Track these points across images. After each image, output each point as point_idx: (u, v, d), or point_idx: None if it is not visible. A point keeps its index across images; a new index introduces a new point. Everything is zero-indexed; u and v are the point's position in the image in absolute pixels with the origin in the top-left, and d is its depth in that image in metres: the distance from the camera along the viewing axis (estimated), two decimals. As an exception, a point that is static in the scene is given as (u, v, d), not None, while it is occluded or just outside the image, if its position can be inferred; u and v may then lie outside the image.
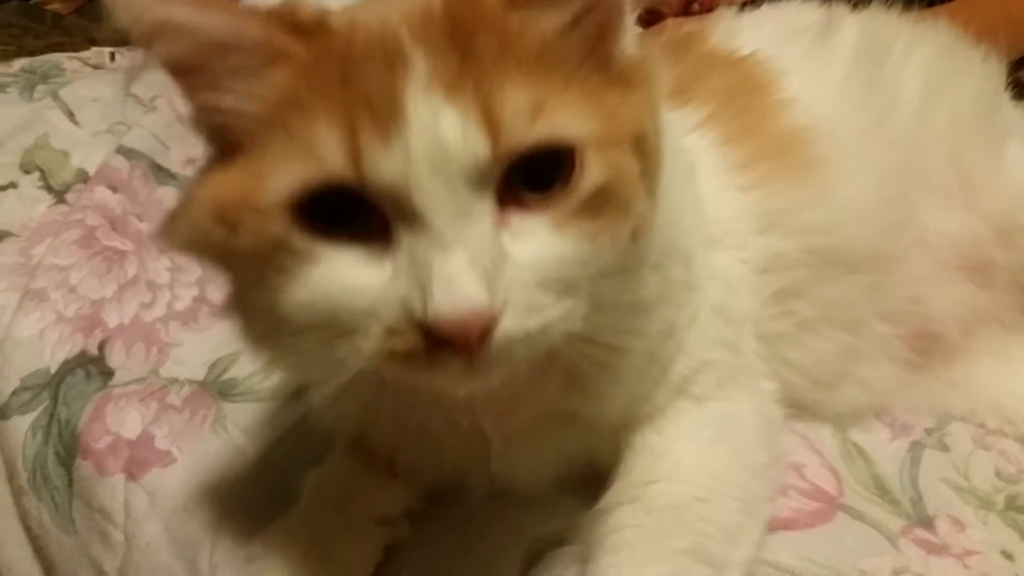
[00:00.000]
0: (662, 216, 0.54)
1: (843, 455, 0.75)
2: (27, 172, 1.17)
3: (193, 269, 1.02)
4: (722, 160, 0.72)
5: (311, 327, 0.46)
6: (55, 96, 1.35)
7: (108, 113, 1.31)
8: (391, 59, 0.45)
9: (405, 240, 0.45)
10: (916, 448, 0.76)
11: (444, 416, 0.60)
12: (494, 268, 0.44)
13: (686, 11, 1.54)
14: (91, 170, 1.17)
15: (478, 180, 0.45)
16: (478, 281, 0.43)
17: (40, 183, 1.16)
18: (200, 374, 0.88)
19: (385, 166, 0.44)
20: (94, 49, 1.67)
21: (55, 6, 2.14)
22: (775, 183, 0.71)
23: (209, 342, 0.92)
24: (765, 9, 0.93)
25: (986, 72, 0.88)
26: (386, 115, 0.44)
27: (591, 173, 0.47)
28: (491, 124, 0.45)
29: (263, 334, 0.52)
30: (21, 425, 0.85)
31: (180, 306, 0.97)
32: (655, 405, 0.65)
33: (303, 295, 0.46)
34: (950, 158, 0.80)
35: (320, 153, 0.45)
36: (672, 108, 0.72)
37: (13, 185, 1.14)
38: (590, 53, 0.49)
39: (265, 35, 0.47)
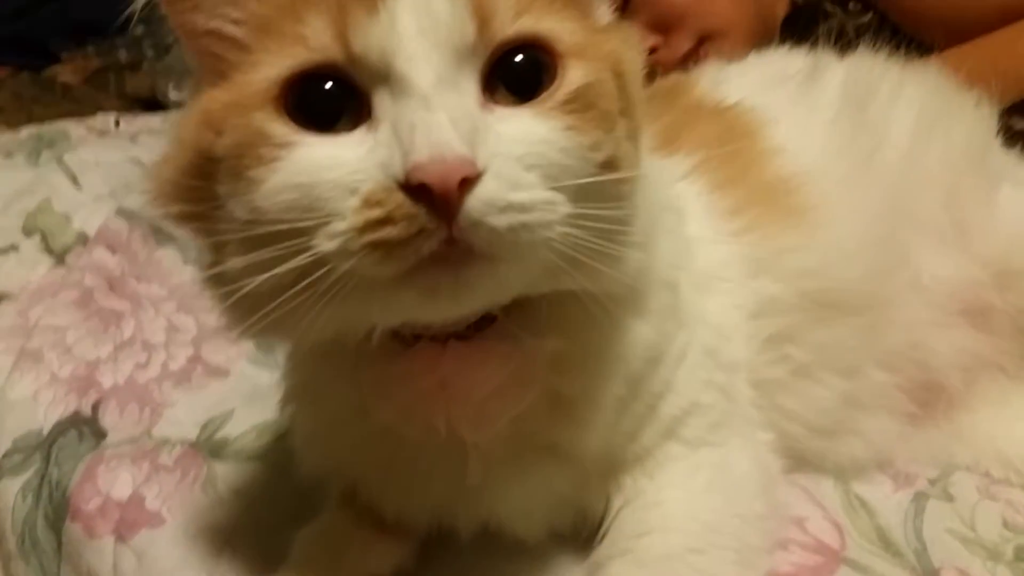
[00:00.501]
0: (644, 198, 0.55)
1: (845, 507, 0.74)
2: (28, 235, 1.18)
3: (189, 328, 1.02)
4: (712, 207, 0.72)
5: (289, 221, 0.46)
6: (59, 161, 1.38)
7: (110, 177, 1.34)
8: None
9: (388, 112, 0.46)
10: (920, 499, 0.75)
11: (423, 425, 0.58)
12: (475, 133, 0.45)
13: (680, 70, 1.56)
14: (92, 233, 1.19)
15: (464, 56, 0.47)
16: (459, 135, 0.44)
17: (41, 246, 1.17)
18: (192, 434, 0.87)
19: (371, 33, 0.46)
20: (100, 116, 1.71)
21: (65, 77, 2.19)
22: (764, 228, 0.72)
23: (203, 402, 0.92)
24: (752, 58, 0.94)
25: (978, 116, 0.89)
26: None
27: (573, 75, 0.50)
28: (478, 10, 0.47)
29: (240, 270, 0.49)
30: (11, 488, 0.84)
31: (175, 366, 0.97)
32: (644, 446, 0.64)
33: (281, 180, 0.46)
34: (943, 202, 0.80)
35: (308, 39, 0.47)
36: (662, 156, 0.73)
37: (14, 248, 1.16)
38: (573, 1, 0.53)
39: None
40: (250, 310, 0.50)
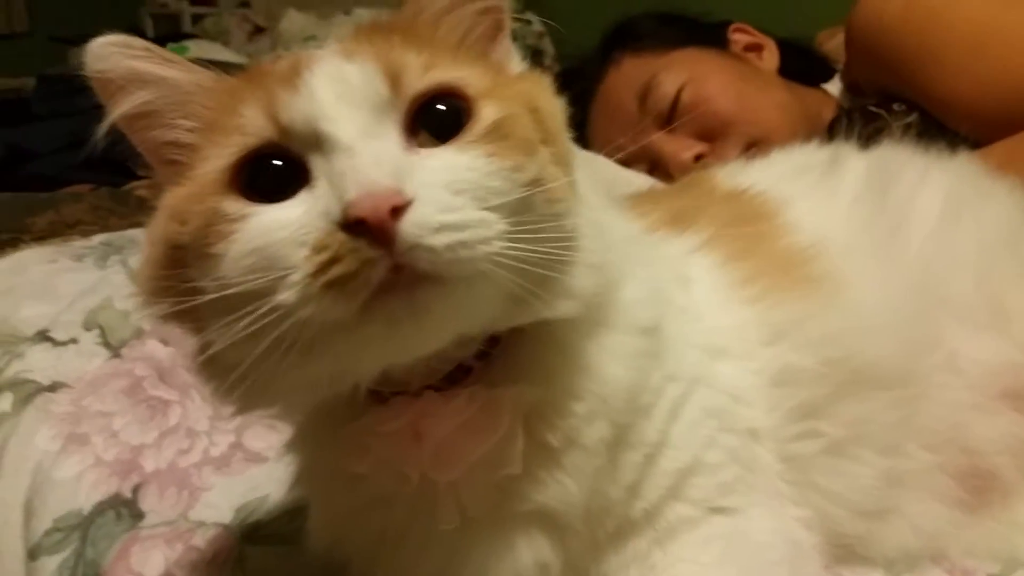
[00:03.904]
0: (591, 225, 0.59)
1: (897, 603, 0.70)
2: (88, 329, 1.22)
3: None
4: (724, 277, 0.73)
5: (251, 281, 0.50)
6: (124, 263, 1.43)
7: (170, 278, 1.39)
8: (305, 55, 0.56)
9: (322, 170, 0.52)
10: (979, 595, 0.71)
11: (396, 474, 0.59)
12: (400, 168, 0.50)
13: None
14: (148, 327, 1.23)
15: (382, 110, 0.53)
16: (384, 170, 0.49)
17: (99, 339, 1.21)
18: (227, 517, 0.88)
19: (295, 107, 0.53)
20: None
21: (141, 192, 2.31)
22: (779, 295, 0.72)
23: (239, 487, 0.92)
24: (775, 154, 0.95)
25: (1011, 200, 0.88)
26: (295, 76, 0.54)
27: (486, 112, 0.55)
28: (389, 72, 0.54)
29: (215, 337, 0.53)
30: (49, 566, 0.85)
31: (216, 452, 0.98)
32: (651, 502, 0.63)
33: (239, 248, 0.51)
34: (977, 284, 0.79)
35: (245, 127, 0.53)
36: (672, 234, 0.76)
37: (74, 341, 1.20)
38: (482, 54, 0.61)
39: (216, 81, 0.57)
40: (233, 382, 0.54)
